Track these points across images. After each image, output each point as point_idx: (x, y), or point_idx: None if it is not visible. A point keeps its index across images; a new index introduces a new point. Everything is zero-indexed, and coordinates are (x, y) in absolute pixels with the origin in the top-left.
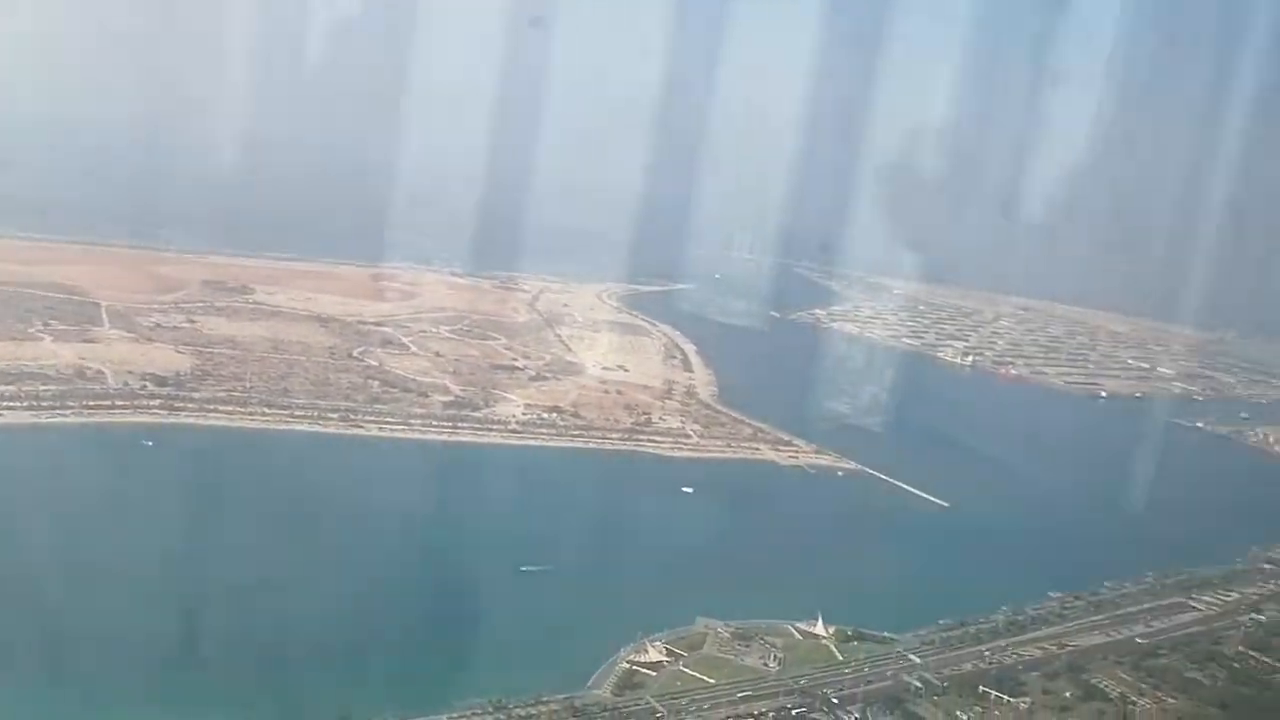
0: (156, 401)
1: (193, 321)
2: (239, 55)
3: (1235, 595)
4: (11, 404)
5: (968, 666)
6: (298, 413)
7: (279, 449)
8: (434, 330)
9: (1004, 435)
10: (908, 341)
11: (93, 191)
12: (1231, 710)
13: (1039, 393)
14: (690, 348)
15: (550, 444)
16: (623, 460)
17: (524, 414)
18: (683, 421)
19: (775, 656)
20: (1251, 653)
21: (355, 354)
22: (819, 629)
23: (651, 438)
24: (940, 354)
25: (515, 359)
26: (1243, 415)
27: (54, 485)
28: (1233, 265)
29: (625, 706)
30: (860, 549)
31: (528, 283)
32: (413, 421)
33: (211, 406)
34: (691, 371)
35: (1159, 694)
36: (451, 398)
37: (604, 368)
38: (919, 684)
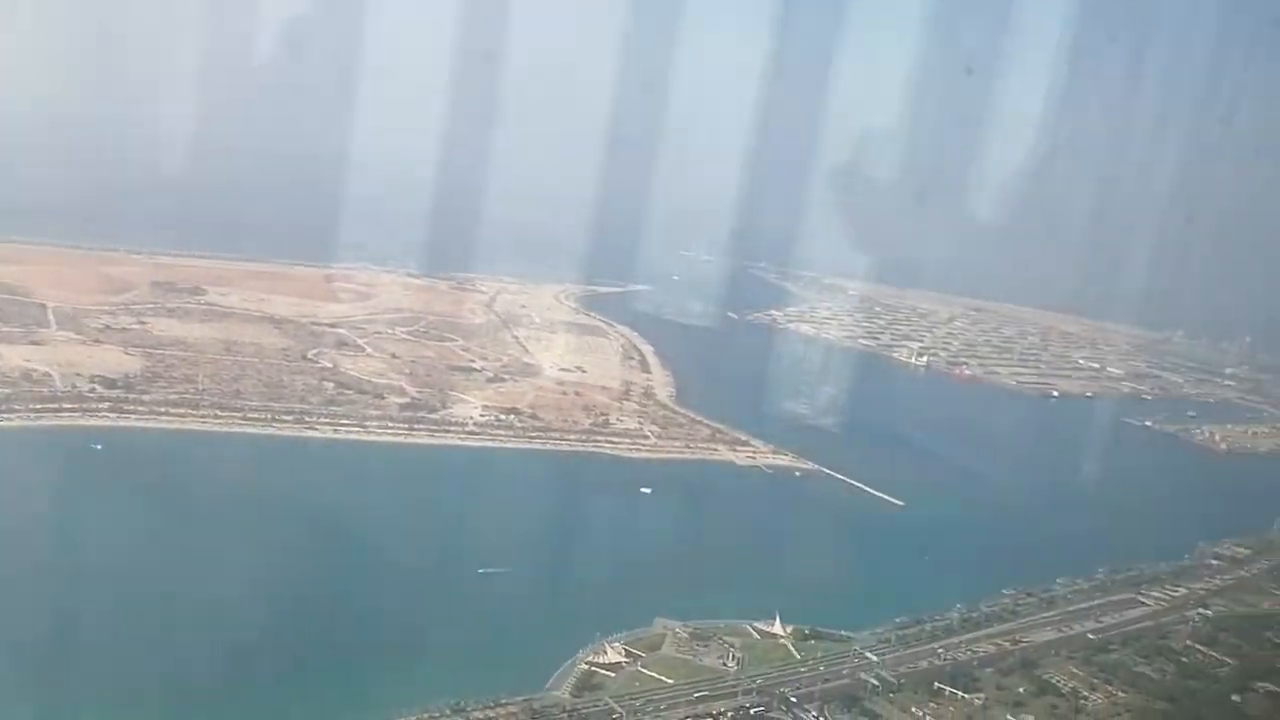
0: (105, 404)
1: (143, 323)
2: (193, 56)
3: (1183, 591)
4: None
5: (923, 663)
6: (250, 415)
7: (231, 452)
8: (390, 331)
9: (958, 435)
10: (863, 342)
11: (40, 191)
12: (1179, 704)
13: (992, 392)
14: (648, 349)
15: (508, 445)
16: (581, 461)
17: (481, 415)
18: (641, 422)
19: (734, 656)
20: (1199, 647)
21: (309, 355)
22: (777, 628)
23: (609, 439)
24: (895, 354)
25: (472, 360)
26: (1190, 414)
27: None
28: (1180, 266)
29: (584, 708)
30: (817, 548)
31: (485, 284)
32: (368, 424)
33: (162, 409)
34: (649, 372)
35: (1110, 688)
36: (408, 399)
37: (562, 369)
38: (876, 682)
